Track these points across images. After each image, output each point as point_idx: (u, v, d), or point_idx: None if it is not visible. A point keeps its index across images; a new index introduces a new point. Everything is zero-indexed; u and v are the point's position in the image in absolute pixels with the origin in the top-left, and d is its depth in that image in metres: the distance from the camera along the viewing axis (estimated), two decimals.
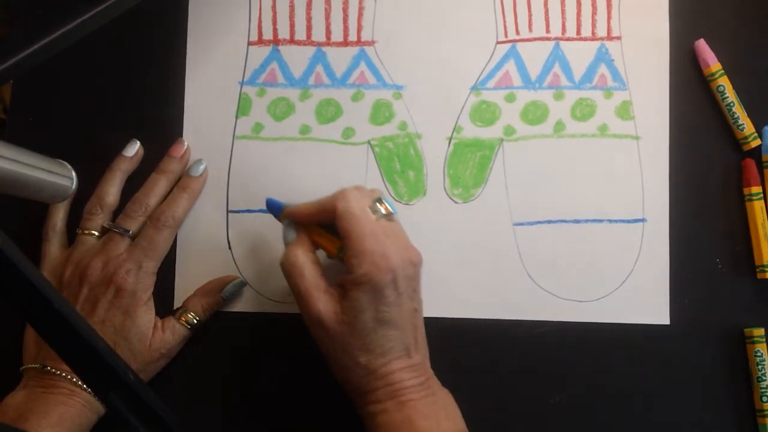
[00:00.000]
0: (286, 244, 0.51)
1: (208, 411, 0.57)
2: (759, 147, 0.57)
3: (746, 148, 0.57)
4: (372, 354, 0.48)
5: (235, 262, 0.58)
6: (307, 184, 0.58)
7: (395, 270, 0.47)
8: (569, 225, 0.57)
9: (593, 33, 0.58)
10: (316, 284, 0.49)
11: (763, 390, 0.55)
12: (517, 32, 0.59)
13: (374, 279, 0.46)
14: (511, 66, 0.58)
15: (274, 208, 0.53)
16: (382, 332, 0.47)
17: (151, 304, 0.55)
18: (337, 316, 0.48)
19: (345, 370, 0.49)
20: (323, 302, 0.48)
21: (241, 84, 0.59)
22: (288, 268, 0.50)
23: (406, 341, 0.48)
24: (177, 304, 0.57)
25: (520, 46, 0.59)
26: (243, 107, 0.59)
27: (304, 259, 0.49)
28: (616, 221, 0.57)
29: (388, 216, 0.50)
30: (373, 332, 0.47)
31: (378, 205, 0.49)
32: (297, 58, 0.59)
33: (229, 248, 0.58)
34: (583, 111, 0.58)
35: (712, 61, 0.57)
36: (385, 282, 0.47)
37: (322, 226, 0.51)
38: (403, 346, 0.48)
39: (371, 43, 0.59)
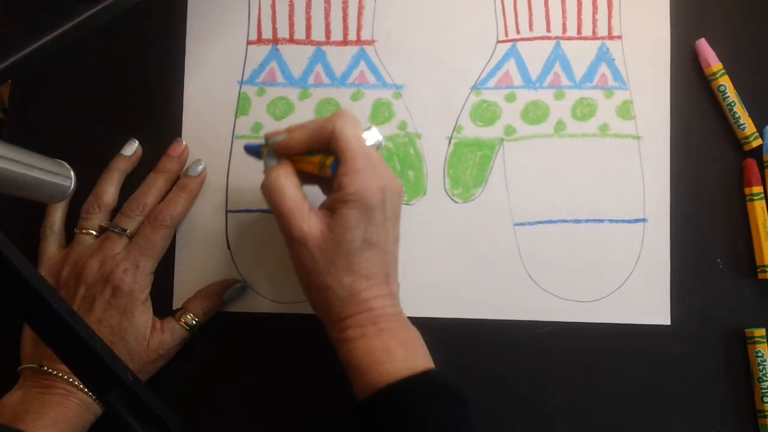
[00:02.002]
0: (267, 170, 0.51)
1: (207, 411, 0.57)
2: (760, 147, 0.57)
3: (747, 147, 0.57)
4: (356, 275, 0.47)
5: (235, 262, 0.58)
6: None
7: (385, 192, 0.48)
8: (570, 225, 0.57)
9: (594, 32, 0.58)
10: (299, 204, 0.48)
11: (764, 390, 0.55)
12: (518, 31, 0.59)
13: (365, 197, 0.47)
14: (511, 65, 0.58)
15: (253, 149, 0.53)
16: (369, 254, 0.48)
17: (149, 304, 0.55)
18: (323, 235, 0.48)
19: (326, 292, 0.48)
20: (307, 221, 0.48)
21: (241, 83, 0.59)
22: (269, 190, 0.49)
23: (387, 267, 0.49)
24: (176, 304, 0.57)
25: (520, 45, 0.58)
26: (242, 107, 0.59)
27: (286, 181, 0.49)
28: (616, 221, 0.57)
29: (377, 144, 0.51)
30: (359, 252, 0.47)
31: (371, 131, 0.50)
32: (296, 57, 0.59)
33: (228, 248, 0.58)
34: (584, 111, 0.58)
35: (713, 61, 0.57)
36: (375, 202, 0.47)
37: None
38: (384, 271, 0.49)
39: (371, 42, 0.59)
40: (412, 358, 0.47)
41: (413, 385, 0.45)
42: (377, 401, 0.45)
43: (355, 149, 0.48)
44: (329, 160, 0.49)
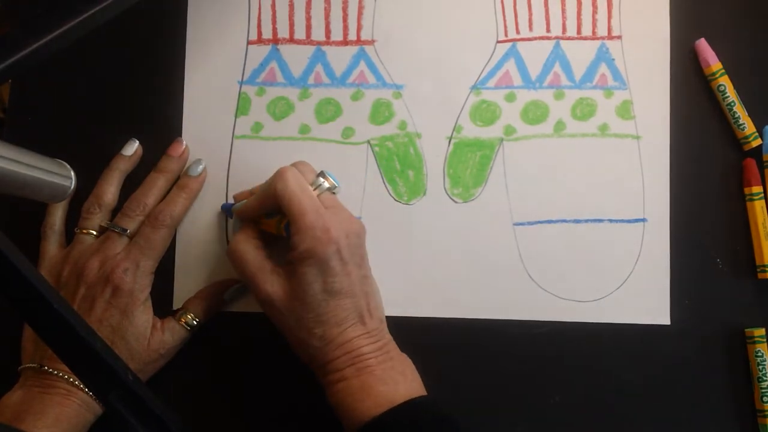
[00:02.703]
0: None
1: (207, 411, 0.57)
2: (760, 146, 0.57)
3: (747, 147, 0.57)
4: (326, 325, 0.49)
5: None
6: None
7: (338, 241, 0.48)
8: (569, 225, 0.57)
9: (594, 32, 0.58)
10: (261, 267, 0.51)
11: (763, 390, 0.55)
12: (518, 31, 0.59)
13: (317, 252, 0.48)
14: (511, 65, 0.58)
15: (227, 209, 0.57)
16: (334, 302, 0.49)
17: (149, 304, 0.55)
18: (286, 294, 0.49)
19: (303, 344, 0.50)
20: (270, 282, 0.50)
21: (241, 83, 0.59)
22: (231, 257, 0.52)
23: (358, 309, 0.50)
24: (176, 304, 0.57)
25: (520, 45, 0.58)
26: (242, 107, 0.59)
27: (246, 246, 0.52)
28: (616, 221, 0.57)
29: (332, 189, 0.52)
30: (324, 303, 0.49)
31: (321, 179, 0.52)
32: (296, 57, 0.59)
33: None
34: (584, 110, 0.58)
35: (712, 61, 0.57)
36: (329, 254, 0.48)
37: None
38: (356, 313, 0.50)
39: (371, 42, 0.59)
40: (392, 391, 0.48)
41: (390, 418, 0.46)
42: None
43: (300, 207, 0.49)
44: (284, 222, 0.51)
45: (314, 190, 0.51)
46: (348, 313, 0.49)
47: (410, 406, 0.47)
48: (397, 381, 0.49)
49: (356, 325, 0.50)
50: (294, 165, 0.52)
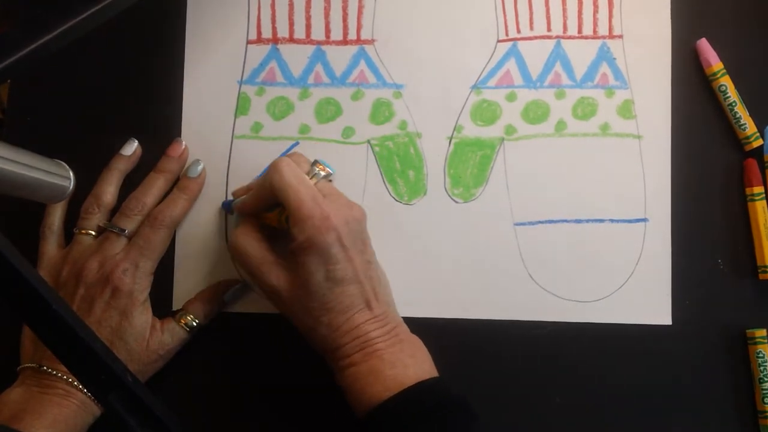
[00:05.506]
0: None
1: (207, 411, 0.57)
2: (761, 147, 0.57)
3: (748, 148, 0.57)
4: (332, 312, 0.49)
5: (234, 262, 0.58)
6: None
7: (337, 228, 0.48)
8: (570, 225, 0.57)
9: (595, 31, 0.58)
10: (264, 259, 0.51)
11: (764, 391, 0.55)
12: (518, 30, 0.58)
13: (317, 241, 0.48)
14: (512, 65, 0.58)
15: (227, 206, 0.57)
16: (338, 290, 0.49)
17: (148, 304, 0.55)
18: (291, 284, 0.49)
19: (311, 332, 0.50)
20: (274, 274, 0.50)
21: (240, 83, 0.59)
22: (233, 252, 0.53)
23: (364, 294, 0.50)
24: (176, 304, 0.57)
25: (521, 44, 0.58)
26: (242, 106, 0.59)
27: (246, 239, 0.51)
28: (617, 221, 0.57)
29: (328, 176, 0.52)
30: (329, 291, 0.48)
31: (316, 168, 0.52)
32: (296, 57, 0.59)
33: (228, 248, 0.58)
34: (585, 110, 0.58)
35: (714, 61, 0.57)
36: (330, 242, 0.48)
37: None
38: (362, 299, 0.49)
39: (371, 41, 0.59)
40: (401, 374, 0.48)
41: (398, 402, 0.46)
42: (367, 424, 0.47)
43: (297, 197, 0.48)
44: (284, 214, 0.51)
45: (311, 179, 0.51)
46: (353, 300, 0.49)
47: (418, 389, 0.47)
48: (407, 364, 0.49)
49: (363, 311, 0.49)
50: (288, 156, 0.52)
